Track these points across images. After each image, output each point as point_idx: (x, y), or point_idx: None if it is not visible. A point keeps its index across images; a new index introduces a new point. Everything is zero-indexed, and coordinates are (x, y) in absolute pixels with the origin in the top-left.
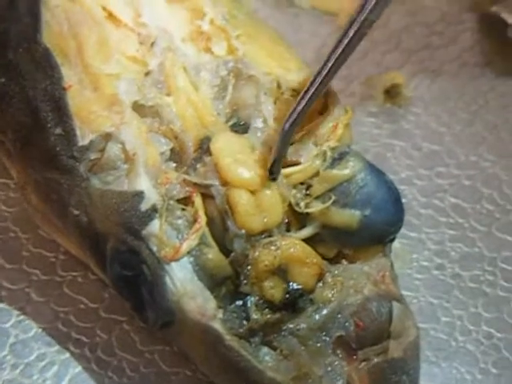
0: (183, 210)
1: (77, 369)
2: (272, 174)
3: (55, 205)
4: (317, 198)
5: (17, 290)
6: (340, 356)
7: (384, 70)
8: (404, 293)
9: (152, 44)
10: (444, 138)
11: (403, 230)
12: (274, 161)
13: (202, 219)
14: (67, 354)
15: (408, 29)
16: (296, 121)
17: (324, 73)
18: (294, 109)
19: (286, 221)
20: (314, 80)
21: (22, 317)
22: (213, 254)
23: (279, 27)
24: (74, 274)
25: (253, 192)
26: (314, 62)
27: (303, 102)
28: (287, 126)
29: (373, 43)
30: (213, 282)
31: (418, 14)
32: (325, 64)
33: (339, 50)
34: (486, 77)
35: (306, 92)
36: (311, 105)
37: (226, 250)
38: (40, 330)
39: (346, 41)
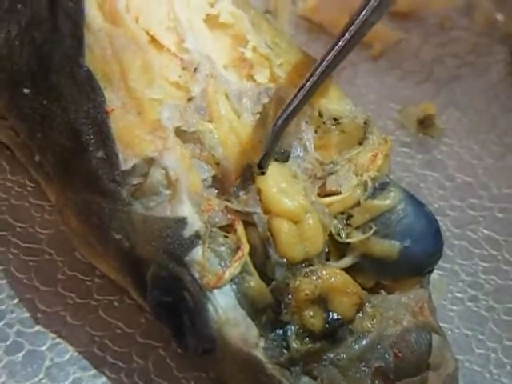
0: (225, 237)
1: None
2: (261, 168)
3: (96, 228)
4: (357, 228)
5: (52, 313)
6: None
7: (416, 101)
8: (439, 324)
9: (195, 70)
10: (477, 170)
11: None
12: (264, 155)
13: (245, 247)
14: (103, 379)
15: (439, 60)
16: (288, 117)
17: (320, 71)
18: (288, 105)
19: (327, 250)
20: (310, 77)
21: (57, 340)
22: (254, 282)
23: (311, 55)
24: (110, 297)
25: (295, 221)
26: (347, 90)
27: (297, 99)
28: (280, 122)
29: (404, 74)
30: (254, 310)
31: (449, 45)
32: (321, 62)
33: (338, 48)
34: None
35: (300, 89)
36: (305, 102)
37: (266, 278)
38: (76, 353)
39: (345, 39)
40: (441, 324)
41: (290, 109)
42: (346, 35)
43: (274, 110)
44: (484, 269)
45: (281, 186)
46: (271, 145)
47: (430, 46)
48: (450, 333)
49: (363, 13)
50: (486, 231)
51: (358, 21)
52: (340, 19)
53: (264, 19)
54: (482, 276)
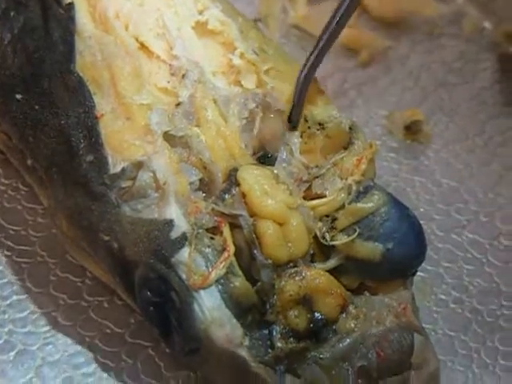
0: (212, 238)
1: None
2: (291, 121)
3: (86, 231)
4: (342, 230)
5: (44, 313)
6: None
7: (403, 107)
8: (422, 325)
9: (183, 76)
10: (463, 175)
11: (422, 264)
12: (292, 108)
13: (231, 248)
14: (93, 378)
15: (427, 67)
16: (311, 70)
17: (335, 22)
18: (309, 57)
19: (311, 252)
20: (328, 27)
21: (48, 340)
22: (240, 282)
23: (302, 62)
24: (101, 299)
25: (280, 223)
26: (335, 96)
27: (316, 51)
28: (303, 74)
29: (392, 80)
30: (239, 310)
31: (437, 52)
32: (334, 13)
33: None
34: (504, 116)
35: (319, 39)
36: (324, 54)
37: (252, 279)
38: (66, 353)
39: None
40: (425, 325)
41: (311, 60)
42: None
43: (260, 115)
44: (468, 271)
45: (266, 189)
46: (299, 97)
47: (417, 53)
48: (433, 334)
49: None
50: (470, 235)
51: None
52: None
53: (252, 26)
54: (466, 279)
